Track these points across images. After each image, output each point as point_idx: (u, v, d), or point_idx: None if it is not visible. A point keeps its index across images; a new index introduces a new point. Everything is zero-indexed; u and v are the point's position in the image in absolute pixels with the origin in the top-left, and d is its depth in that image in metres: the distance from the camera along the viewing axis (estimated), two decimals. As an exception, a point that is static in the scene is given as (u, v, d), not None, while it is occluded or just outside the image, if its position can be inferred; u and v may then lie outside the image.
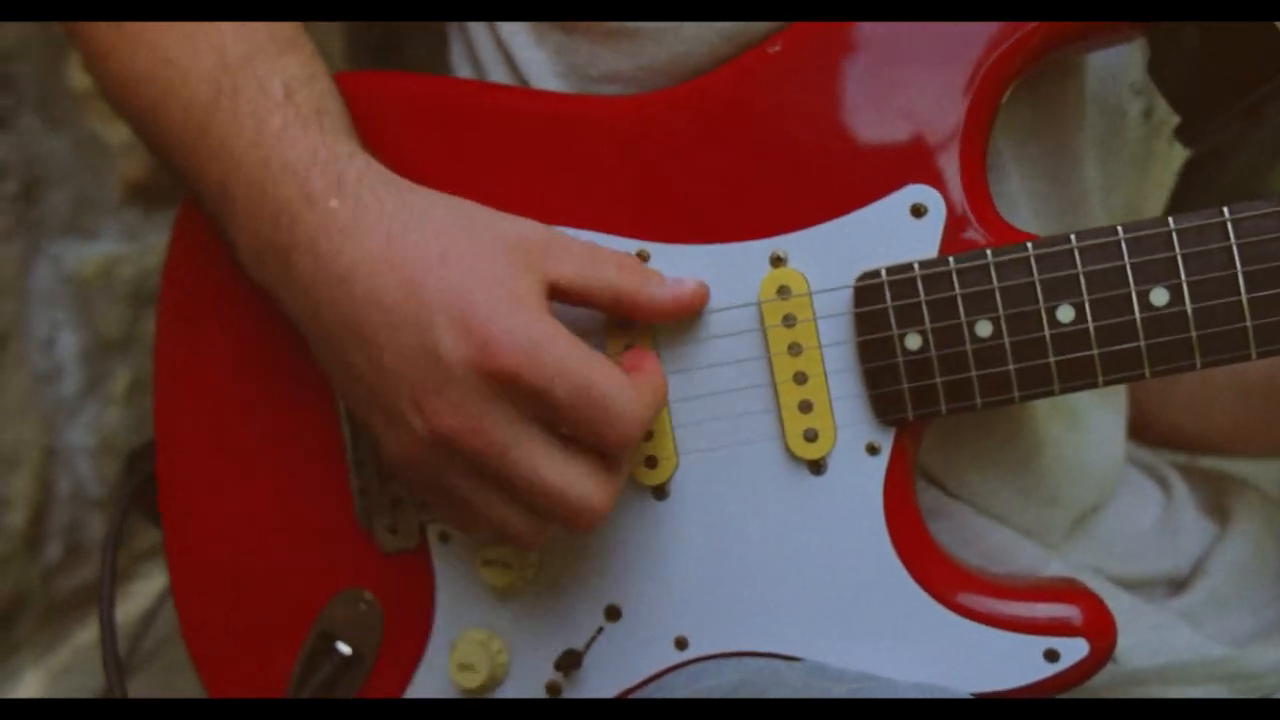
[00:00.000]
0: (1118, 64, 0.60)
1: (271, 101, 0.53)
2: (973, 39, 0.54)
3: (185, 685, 0.72)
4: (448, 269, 0.49)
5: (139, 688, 1.11)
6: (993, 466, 0.61)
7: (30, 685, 1.06)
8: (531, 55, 0.62)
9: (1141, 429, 0.73)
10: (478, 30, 0.65)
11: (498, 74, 0.65)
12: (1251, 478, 0.71)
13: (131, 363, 1.18)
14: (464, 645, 0.60)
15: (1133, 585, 0.64)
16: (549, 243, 0.52)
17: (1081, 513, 0.65)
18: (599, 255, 0.52)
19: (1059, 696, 0.54)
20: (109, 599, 0.67)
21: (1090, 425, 0.64)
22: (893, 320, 0.54)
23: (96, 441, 1.15)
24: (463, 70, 0.68)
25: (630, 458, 0.53)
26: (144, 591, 1.15)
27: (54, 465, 1.10)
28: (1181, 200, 0.70)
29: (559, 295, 0.52)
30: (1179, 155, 0.68)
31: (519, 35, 0.63)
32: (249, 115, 0.53)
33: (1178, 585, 0.66)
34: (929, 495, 0.62)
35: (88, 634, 1.11)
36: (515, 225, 0.52)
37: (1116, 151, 0.61)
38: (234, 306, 0.64)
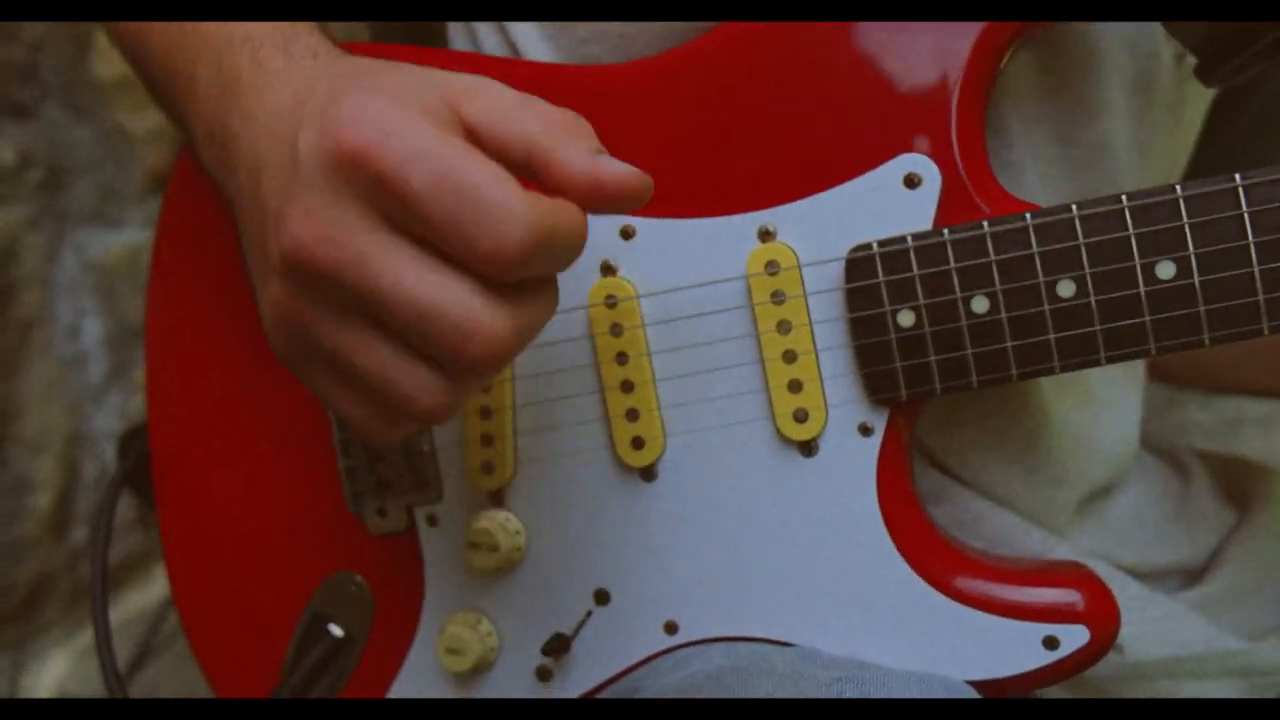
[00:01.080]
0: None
1: (255, 24, 0.53)
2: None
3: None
4: (341, 80, 0.43)
5: (162, 668, 1.12)
6: (998, 445, 0.59)
7: (56, 665, 1.07)
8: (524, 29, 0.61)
9: (1161, 374, 0.70)
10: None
11: (490, 40, 0.63)
12: (1273, 463, 0.67)
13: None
14: (453, 628, 0.59)
15: (1145, 574, 0.61)
16: (482, 84, 0.43)
17: (1090, 493, 0.62)
18: (528, 106, 0.43)
19: (1061, 684, 0.52)
20: (102, 591, 0.67)
21: (1102, 400, 0.61)
22: (885, 296, 0.52)
23: (121, 427, 1.16)
24: (456, 38, 0.67)
25: (546, 293, 0.43)
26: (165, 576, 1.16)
27: (79, 449, 1.12)
28: (1210, 143, 0.67)
29: (473, 138, 0.42)
30: (1207, 99, 0.64)
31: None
32: (229, 26, 0.52)
33: (1193, 575, 0.63)
34: (930, 478, 0.59)
35: (112, 615, 1.13)
36: (452, 73, 0.44)
37: (1151, 99, 0.58)
38: (222, 289, 0.63)
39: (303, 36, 0.50)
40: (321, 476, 0.63)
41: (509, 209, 0.39)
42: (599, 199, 0.42)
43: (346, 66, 0.46)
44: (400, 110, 0.40)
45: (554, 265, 0.42)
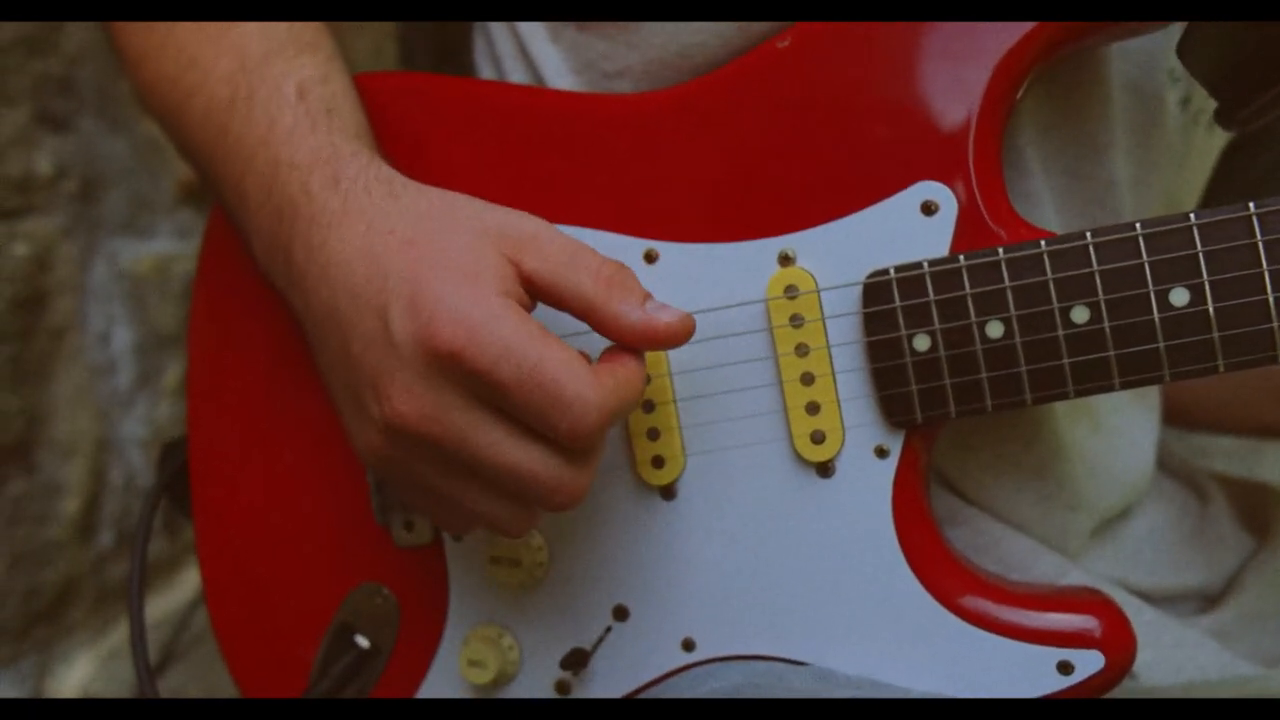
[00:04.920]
0: (1154, 50, 0.58)
1: (284, 101, 0.54)
2: (985, 33, 0.53)
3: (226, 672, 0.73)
4: (413, 250, 0.48)
5: (185, 672, 1.14)
6: (1013, 470, 0.60)
7: (81, 668, 1.09)
8: (547, 53, 0.62)
9: (1176, 418, 0.71)
10: (497, 29, 0.66)
11: (516, 72, 0.65)
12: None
13: (183, 357, 1.20)
14: (475, 641, 0.60)
15: (1160, 598, 0.62)
16: (534, 236, 0.49)
17: (1104, 518, 0.63)
18: (580, 259, 0.49)
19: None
20: (139, 593, 0.68)
21: (1117, 427, 0.62)
22: (901, 320, 0.53)
23: (148, 433, 1.18)
24: (484, 68, 0.68)
25: (600, 443, 0.50)
26: (192, 581, 1.18)
27: (107, 455, 1.14)
28: (1219, 186, 0.68)
29: (534, 291, 0.50)
30: (1216, 145, 0.65)
31: (536, 34, 0.63)
32: (262, 115, 0.54)
33: (1210, 600, 0.63)
34: (946, 502, 0.60)
35: (139, 620, 1.14)
36: (501, 215, 0.50)
37: (1154, 141, 0.59)
38: (263, 307, 0.65)
39: (347, 163, 0.53)
40: (351, 489, 0.64)
41: (585, 400, 0.46)
42: (651, 346, 0.50)
43: (410, 220, 0.50)
44: (480, 303, 0.47)
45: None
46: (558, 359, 0.46)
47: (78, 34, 1.11)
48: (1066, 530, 0.60)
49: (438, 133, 0.61)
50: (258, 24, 0.58)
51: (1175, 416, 0.75)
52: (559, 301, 0.49)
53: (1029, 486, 0.60)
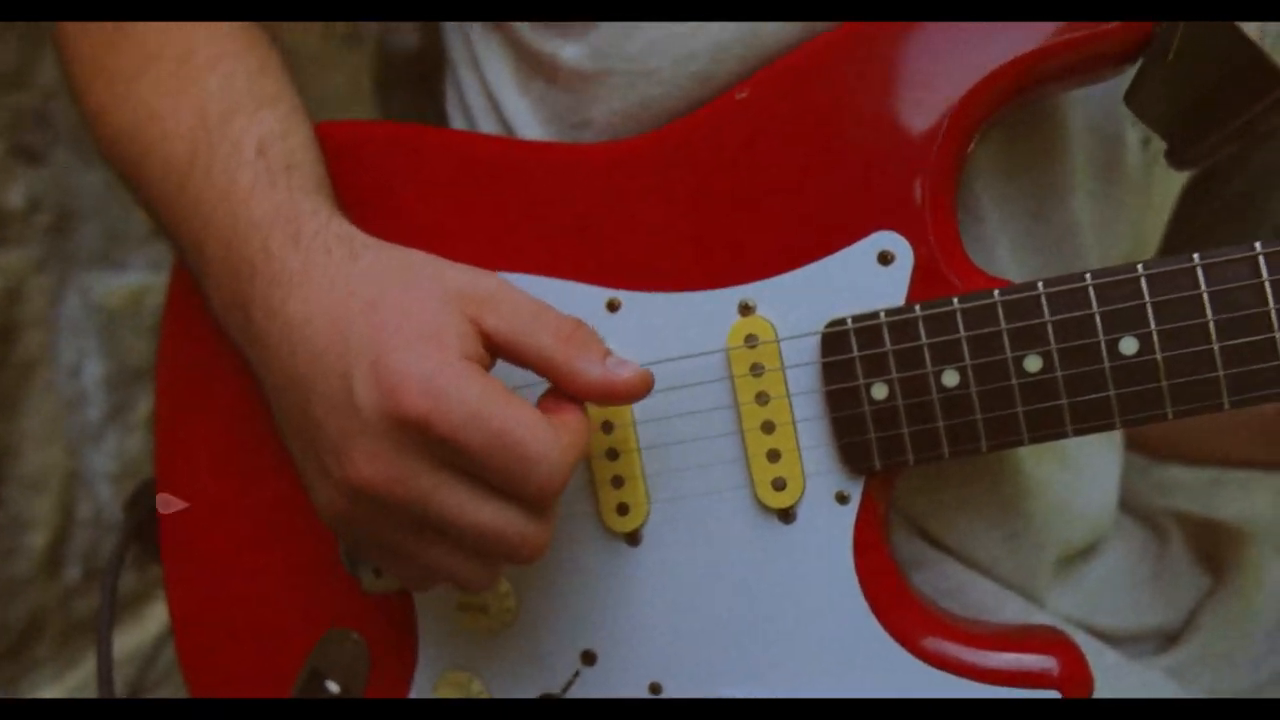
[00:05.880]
0: (1114, 91, 0.59)
1: (243, 159, 0.55)
2: (941, 83, 0.54)
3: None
4: (375, 315, 0.49)
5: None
6: (979, 509, 0.60)
7: (49, 705, 1.08)
8: (516, 104, 0.63)
9: (1138, 447, 0.72)
10: (468, 79, 0.66)
11: (487, 122, 0.65)
12: (1249, 526, 0.69)
13: (154, 392, 1.20)
14: (444, 687, 0.61)
15: (1122, 638, 0.63)
16: (494, 294, 0.50)
17: (1069, 555, 0.64)
18: (541, 318, 0.50)
19: None
20: (107, 635, 0.68)
21: (1081, 464, 0.63)
22: (859, 369, 0.53)
23: (118, 467, 1.18)
24: (455, 117, 0.69)
25: (558, 496, 0.50)
26: (159, 616, 1.17)
27: (76, 489, 1.13)
28: (1180, 224, 0.69)
29: (495, 349, 0.50)
30: (1179, 181, 0.66)
31: (505, 85, 0.63)
32: (221, 173, 0.55)
33: (1169, 639, 0.64)
34: (912, 546, 0.61)
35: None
36: (462, 274, 0.50)
37: (1117, 182, 0.60)
38: (229, 351, 0.65)
39: (307, 221, 0.53)
40: (320, 534, 0.64)
41: (550, 459, 0.47)
42: (612, 402, 0.51)
43: (370, 282, 0.50)
44: (444, 367, 0.47)
45: None
46: (521, 421, 0.47)
47: (52, 68, 1.11)
48: (1033, 569, 0.61)
49: (400, 182, 0.62)
50: (219, 78, 0.58)
51: (1137, 446, 0.76)
52: (520, 359, 0.50)
53: (997, 524, 0.61)
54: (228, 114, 0.57)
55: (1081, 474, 0.63)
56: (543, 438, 0.47)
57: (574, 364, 0.49)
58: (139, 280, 1.22)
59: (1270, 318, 0.49)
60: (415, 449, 0.47)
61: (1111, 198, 0.61)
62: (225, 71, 0.58)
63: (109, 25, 0.61)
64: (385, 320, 0.48)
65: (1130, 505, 0.70)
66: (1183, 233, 0.69)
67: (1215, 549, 0.68)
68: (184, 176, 0.56)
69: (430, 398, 0.46)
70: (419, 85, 1.10)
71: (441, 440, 0.47)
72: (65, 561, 1.11)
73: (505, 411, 0.47)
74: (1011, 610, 0.60)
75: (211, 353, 0.66)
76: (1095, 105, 0.59)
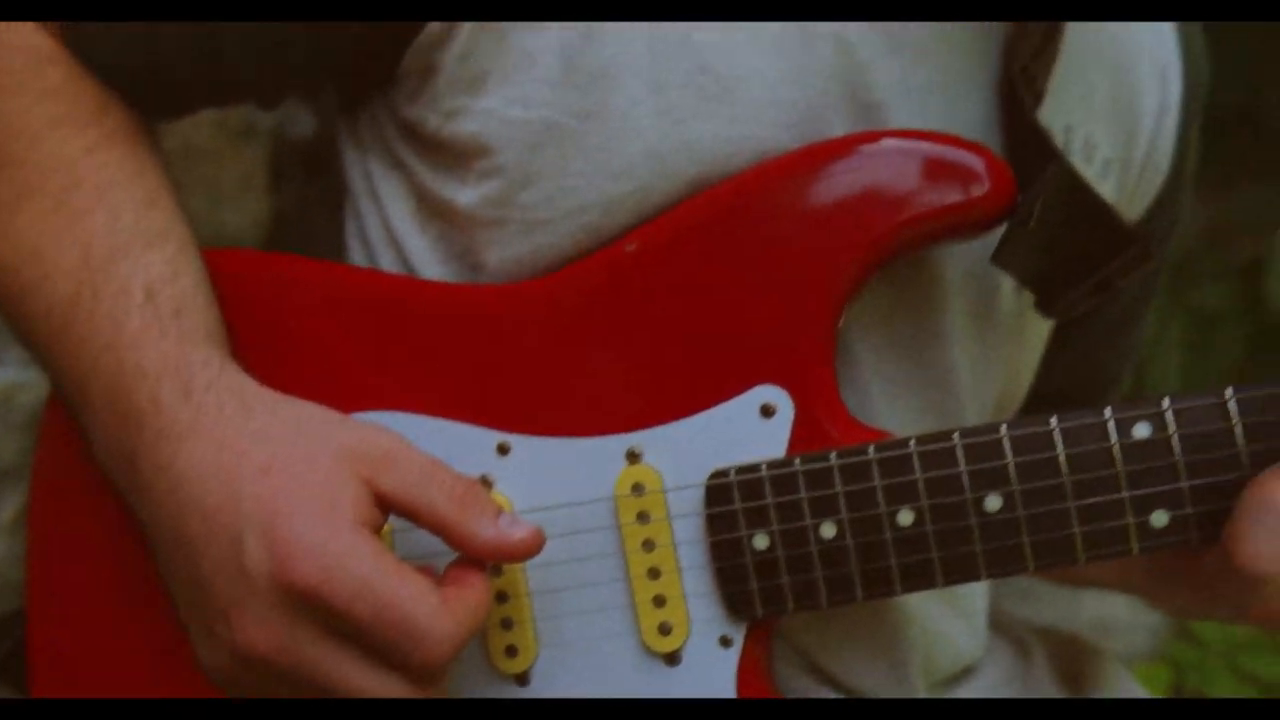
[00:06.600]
0: (990, 239, 0.63)
1: (131, 303, 0.54)
2: (821, 244, 0.57)
3: None
4: (268, 479, 0.49)
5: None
6: (866, 639, 0.62)
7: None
8: (416, 241, 0.63)
9: None
10: (368, 210, 0.66)
11: (385, 256, 0.65)
12: (1106, 641, 0.73)
13: (23, 491, 1.15)
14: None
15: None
16: (387, 454, 0.51)
17: (945, 679, 0.66)
18: (434, 478, 0.51)
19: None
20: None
21: (956, 592, 0.66)
22: (742, 520, 0.55)
23: (-17, 571, 1.12)
24: (354, 249, 0.68)
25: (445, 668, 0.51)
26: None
27: (-65, 597, 1.07)
28: (1049, 364, 0.73)
29: (388, 508, 0.51)
30: (1049, 323, 0.71)
31: (404, 222, 0.64)
32: (107, 318, 0.54)
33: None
34: (800, 681, 0.63)
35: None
36: (355, 433, 0.51)
37: (993, 324, 0.64)
38: (106, 485, 0.63)
39: (198, 373, 0.53)
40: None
41: (436, 634, 0.48)
42: (504, 560, 0.53)
43: (263, 443, 0.50)
44: (336, 538, 0.48)
45: None
46: (411, 595, 0.48)
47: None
48: (913, 696, 0.63)
49: (292, 316, 0.61)
50: (105, 214, 0.57)
51: None
52: (413, 518, 0.51)
53: (881, 655, 0.63)
54: (113, 252, 0.56)
55: (954, 604, 0.66)
56: (432, 612, 0.48)
57: (467, 525, 0.51)
58: (10, 377, 1.17)
59: (1119, 479, 0.53)
60: (305, 617, 0.48)
61: (987, 341, 0.64)
62: (111, 206, 0.57)
63: None
64: (278, 485, 0.49)
65: (996, 621, 0.73)
66: (1051, 372, 0.73)
67: (1073, 664, 0.71)
68: (68, 317, 0.55)
69: (321, 569, 0.47)
70: (313, 177, 1.10)
71: (330, 611, 0.47)
72: (-84, 677, 1.04)
73: (394, 584, 0.47)
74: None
75: (88, 485, 0.64)
76: (972, 253, 0.62)
